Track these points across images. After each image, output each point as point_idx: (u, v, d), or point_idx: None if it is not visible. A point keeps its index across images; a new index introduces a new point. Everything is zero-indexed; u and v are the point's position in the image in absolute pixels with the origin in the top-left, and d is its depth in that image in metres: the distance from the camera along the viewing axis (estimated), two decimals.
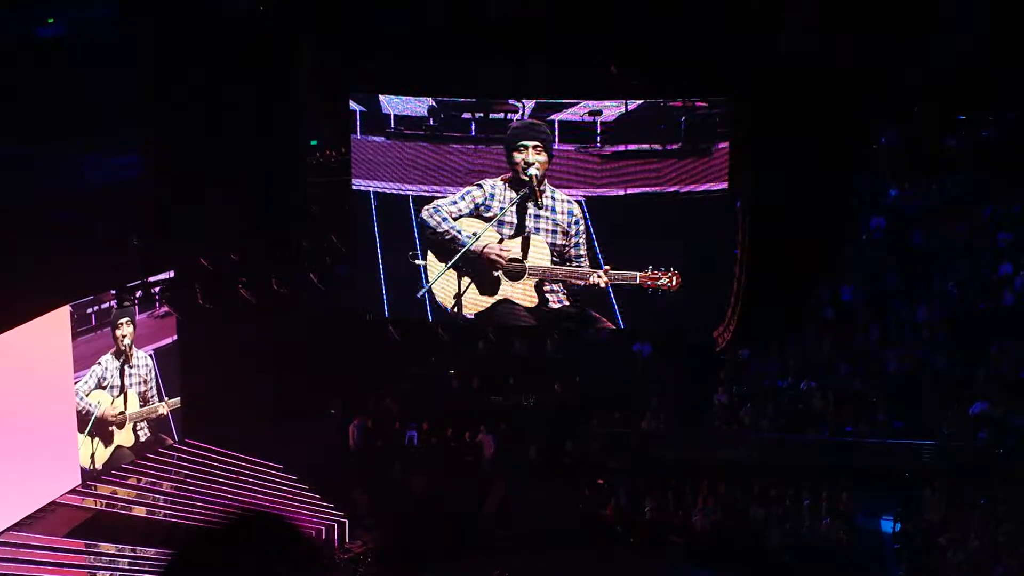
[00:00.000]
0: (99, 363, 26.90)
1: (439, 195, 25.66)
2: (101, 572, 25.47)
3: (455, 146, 25.53)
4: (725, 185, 25.15)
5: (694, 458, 28.24)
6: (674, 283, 24.94)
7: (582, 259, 25.14)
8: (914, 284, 29.73)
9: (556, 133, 24.96)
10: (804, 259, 27.70)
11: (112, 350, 27.20)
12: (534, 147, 24.89)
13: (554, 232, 25.11)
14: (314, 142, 30.87)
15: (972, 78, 28.71)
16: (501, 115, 25.35)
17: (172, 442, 28.91)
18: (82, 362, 26.50)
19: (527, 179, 24.97)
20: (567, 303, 25.57)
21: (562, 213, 25.06)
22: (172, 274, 27.70)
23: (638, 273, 24.96)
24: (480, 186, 25.32)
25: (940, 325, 28.98)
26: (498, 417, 29.94)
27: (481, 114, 25.42)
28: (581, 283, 25.37)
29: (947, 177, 30.74)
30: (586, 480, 28.20)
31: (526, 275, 25.37)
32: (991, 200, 30.28)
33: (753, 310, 27.07)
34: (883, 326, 29.27)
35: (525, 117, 25.10)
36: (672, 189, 24.89)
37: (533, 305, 25.49)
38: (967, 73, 28.57)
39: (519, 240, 25.31)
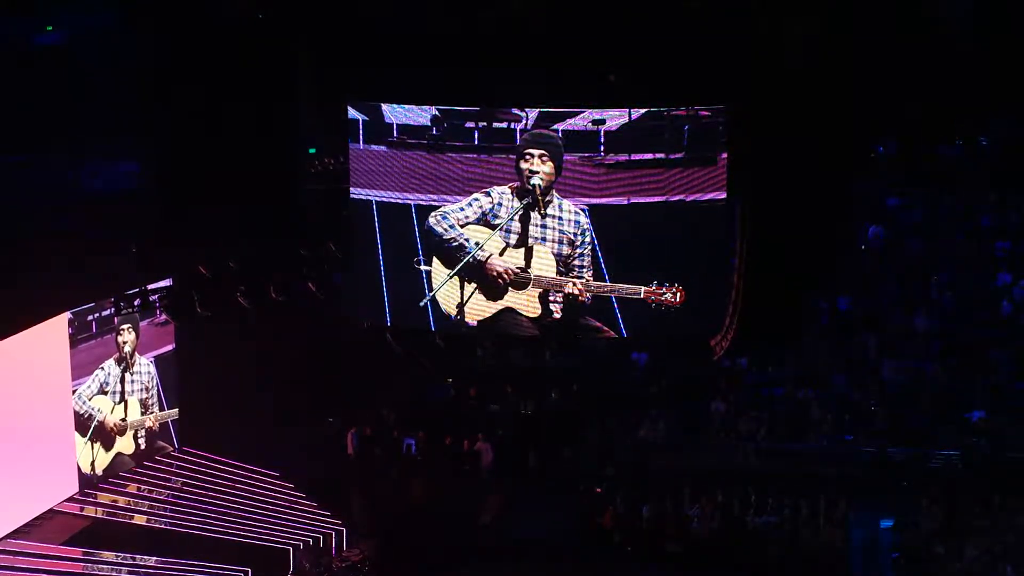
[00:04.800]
0: (101, 368, 26.91)
1: (442, 204, 25.69)
2: None
3: (458, 155, 25.57)
4: (725, 194, 25.23)
5: (692, 466, 28.24)
6: (678, 299, 25.03)
7: (585, 270, 25.18)
8: (912, 293, 29.77)
9: (561, 142, 25.04)
10: (802, 268, 27.79)
11: (114, 356, 27.22)
12: (540, 156, 24.95)
13: (560, 242, 25.16)
14: (312, 150, 30.91)
15: (971, 87, 28.82)
16: (505, 124, 25.41)
17: (172, 450, 28.95)
18: (84, 368, 26.51)
19: (531, 188, 25.03)
20: (565, 314, 25.64)
21: (569, 223, 25.11)
22: (170, 282, 27.70)
23: (642, 287, 25.05)
24: (488, 194, 25.38)
25: (938, 334, 29.05)
26: (496, 425, 29.97)
27: (484, 123, 25.47)
28: (565, 292, 25.45)
29: (945, 186, 30.79)
30: (583, 488, 28.19)
31: (531, 285, 25.40)
32: (989, 209, 30.35)
33: (751, 319, 27.14)
34: (881, 335, 29.32)
35: (529, 126, 25.15)
36: (676, 198, 24.96)
37: (536, 315, 25.53)
38: (966, 82, 28.69)
39: (523, 250, 25.35)
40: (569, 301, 25.46)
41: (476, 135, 25.53)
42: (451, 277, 25.65)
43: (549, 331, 26.21)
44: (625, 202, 25.13)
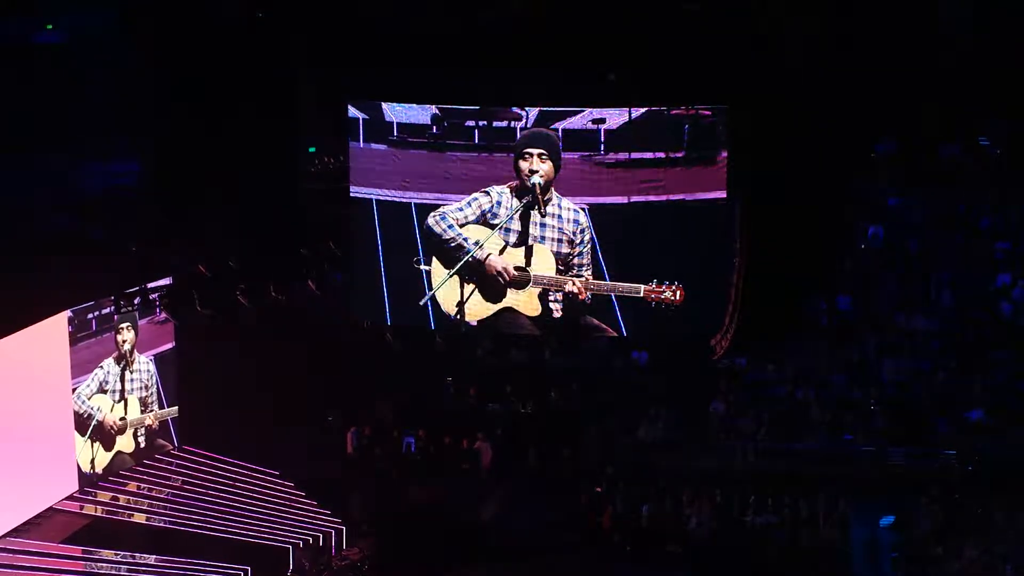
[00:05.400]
0: (101, 367, 26.92)
1: (442, 203, 25.68)
2: None
3: (458, 154, 25.57)
4: (725, 194, 25.22)
5: (691, 466, 28.24)
6: (678, 297, 25.00)
7: (585, 268, 25.17)
8: (911, 293, 29.78)
9: (560, 141, 25.01)
10: (802, 268, 27.78)
11: (114, 355, 27.23)
12: (539, 155, 24.94)
13: (560, 241, 25.16)
14: (312, 149, 30.91)
15: (971, 87, 28.81)
16: (505, 123, 25.41)
17: (171, 448, 28.96)
18: (83, 367, 26.52)
19: (531, 187, 25.03)
20: (565, 313, 25.63)
21: (568, 222, 25.11)
22: (170, 280, 27.71)
23: (642, 286, 25.03)
24: (487, 193, 25.38)
25: (937, 335, 29.05)
26: (495, 424, 29.97)
27: (484, 122, 25.48)
28: (566, 291, 25.46)
29: (945, 186, 30.78)
30: (583, 488, 28.19)
31: (531, 284, 25.39)
32: (989, 210, 30.35)
33: (751, 318, 27.14)
34: (880, 335, 29.33)
35: (529, 125, 25.15)
36: (676, 197, 24.94)
37: (536, 314, 25.52)
38: (966, 82, 28.69)
39: (523, 249, 25.35)
40: (569, 300, 25.45)
41: (476, 134, 25.55)
42: (450, 276, 25.65)
43: (549, 330, 26.21)
44: (625, 201, 25.12)
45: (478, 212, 25.52)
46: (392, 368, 30.68)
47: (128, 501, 27.61)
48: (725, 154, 24.92)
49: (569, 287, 25.37)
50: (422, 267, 25.89)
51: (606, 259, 25.16)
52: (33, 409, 25.45)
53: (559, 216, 25.16)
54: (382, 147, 26.10)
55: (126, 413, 27.73)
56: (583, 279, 25.39)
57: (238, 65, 28.37)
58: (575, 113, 25.08)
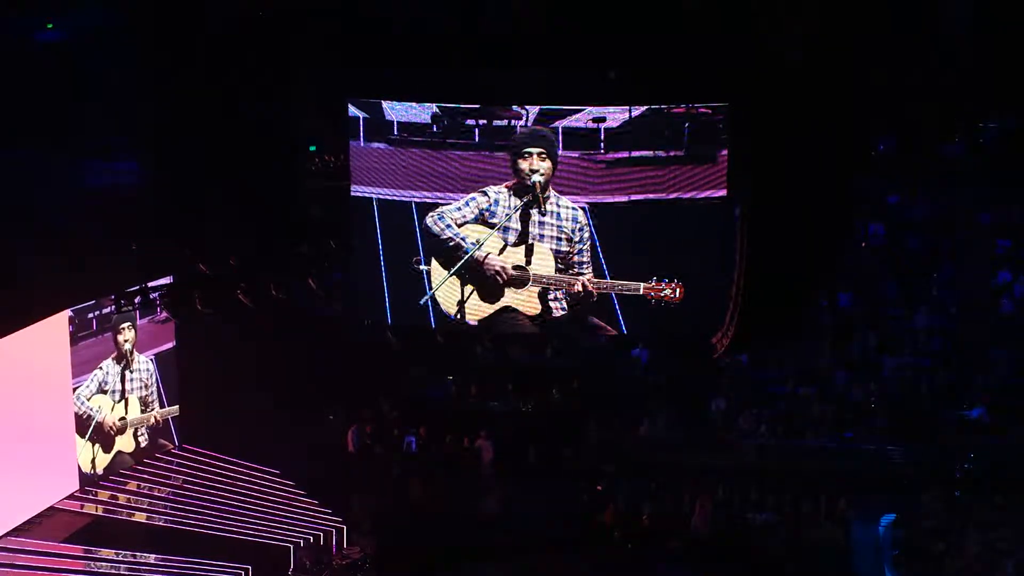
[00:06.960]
0: (100, 368, 26.95)
1: (443, 202, 25.67)
2: None
3: (459, 153, 25.54)
4: (725, 192, 25.20)
5: (692, 463, 28.27)
6: (677, 295, 24.97)
7: (585, 266, 25.16)
8: (912, 291, 29.78)
9: (559, 140, 24.98)
10: (802, 265, 27.73)
11: (113, 355, 27.24)
12: (539, 154, 24.92)
13: (559, 239, 25.15)
14: (313, 147, 30.87)
15: (972, 84, 28.77)
16: (505, 122, 25.37)
17: (172, 447, 28.98)
18: (83, 367, 26.54)
19: (531, 186, 25.03)
20: (569, 312, 25.62)
21: (567, 220, 25.09)
22: (171, 279, 27.70)
23: (642, 284, 25.01)
24: (485, 193, 25.35)
25: (938, 332, 29.06)
26: (497, 423, 29.97)
27: (484, 121, 25.45)
28: (573, 291, 25.45)
29: (946, 184, 30.74)
30: (584, 485, 28.21)
31: (530, 283, 25.38)
32: (990, 207, 30.33)
33: (751, 316, 27.11)
34: (881, 333, 29.33)
35: (529, 124, 25.13)
36: (676, 196, 24.92)
37: (536, 313, 25.52)
38: (966, 79, 28.64)
39: (523, 248, 25.34)
40: (577, 298, 25.46)
41: (476, 133, 25.53)
42: (449, 276, 25.66)
43: (549, 329, 26.21)
44: (625, 200, 25.09)
45: (476, 212, 25.51)
46: (393, 367, 30.72)
47: (128, 500, 27.64)
48: (725, 152, 24.89)
49: (578, 287, 25.38)
50: (421, 267, 25.89)
51: (606, 257, 25.14)
52: (34, 409, 25.47)
53: (558, 215, 25.15)
54: (382, 146, 26.07)
55: (126, 413, 27.75)
56: (585, 277, 25.39)
57: (238, 64, 28.29)
58: (575, 112, 25.06)
